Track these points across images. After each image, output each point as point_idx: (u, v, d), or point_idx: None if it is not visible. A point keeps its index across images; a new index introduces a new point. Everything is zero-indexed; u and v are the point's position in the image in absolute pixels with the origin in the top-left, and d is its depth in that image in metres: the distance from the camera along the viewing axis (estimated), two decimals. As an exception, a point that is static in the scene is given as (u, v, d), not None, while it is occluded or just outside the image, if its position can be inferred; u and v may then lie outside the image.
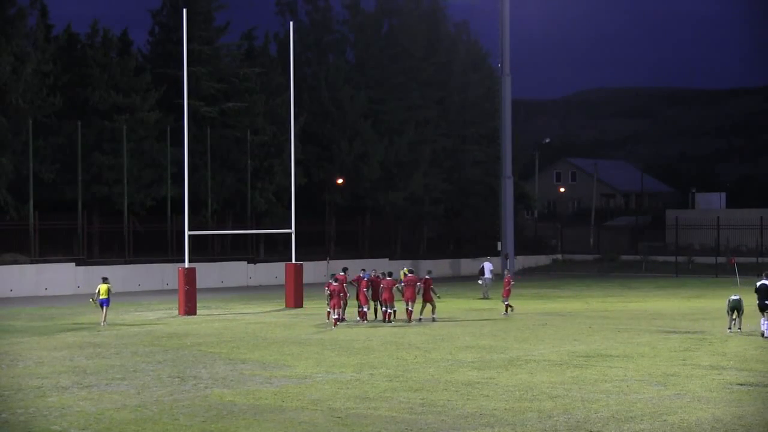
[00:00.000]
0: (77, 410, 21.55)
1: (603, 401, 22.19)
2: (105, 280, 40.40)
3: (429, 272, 42.66)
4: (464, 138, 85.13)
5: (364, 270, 42.17)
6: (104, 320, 39.34)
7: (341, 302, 38.71)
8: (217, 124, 70.17)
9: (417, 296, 40.34)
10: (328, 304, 39.37)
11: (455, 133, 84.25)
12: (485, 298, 52.76)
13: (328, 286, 39.17)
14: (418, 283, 40.38)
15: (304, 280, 49.66)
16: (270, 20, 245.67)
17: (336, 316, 38.43)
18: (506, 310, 43.35)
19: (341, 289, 38.81)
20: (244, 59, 74.14)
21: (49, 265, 58.79)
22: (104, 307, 39.18)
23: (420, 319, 40.21)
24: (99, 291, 39.40)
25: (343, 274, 40.55)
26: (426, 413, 21.04)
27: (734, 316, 35.45)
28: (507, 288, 43.77)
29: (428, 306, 40.70)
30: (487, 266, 54.74)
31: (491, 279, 54.63)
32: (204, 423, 20.25)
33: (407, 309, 40.11)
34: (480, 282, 54.53)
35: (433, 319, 40.26)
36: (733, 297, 35.60)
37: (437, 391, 23.53)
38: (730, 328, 35.41)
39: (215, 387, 24.41)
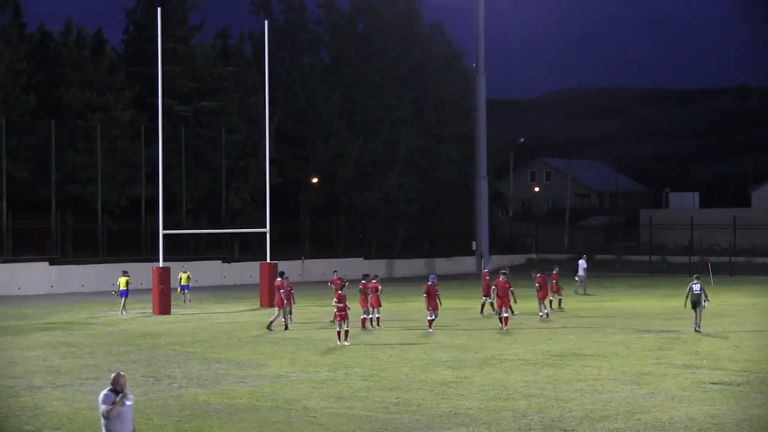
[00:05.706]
0: (50, 410, 21.47)
1: (577, 400, 22.24)
2: (125, 273, 44.46)
3: (366, 276, 38.84)
4: (439, 137, 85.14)
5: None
6: (124, 310, 43.44)
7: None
8: (192, 123, 70.03)
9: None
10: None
11: (430, 132, 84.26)
12: (582, 294, 53.40)
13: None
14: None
15: (279, 280, 49.60)
16: (245, 19, 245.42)
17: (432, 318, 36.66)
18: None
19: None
20: (218, 58, 74.11)
21: (22, 264, 58.53)
22: (123, 298, 43.72)
23: (547, 314, 40.58)
24: (119, 283, 43.73)
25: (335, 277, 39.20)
26: (401, 412, 21.04)
27: (696, 314, 35.35)
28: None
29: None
30: (581, 264, 55.32)
31: (585, 277, 55.28)
32: (178, 422, 20.18)
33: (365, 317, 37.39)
34: (576, 279, 55.14)
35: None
36: (695, 290, 35.42)
37: (412, 391, 23.53)
38: (695, 328, 35.33)
39: (189, 386, 24.35)
